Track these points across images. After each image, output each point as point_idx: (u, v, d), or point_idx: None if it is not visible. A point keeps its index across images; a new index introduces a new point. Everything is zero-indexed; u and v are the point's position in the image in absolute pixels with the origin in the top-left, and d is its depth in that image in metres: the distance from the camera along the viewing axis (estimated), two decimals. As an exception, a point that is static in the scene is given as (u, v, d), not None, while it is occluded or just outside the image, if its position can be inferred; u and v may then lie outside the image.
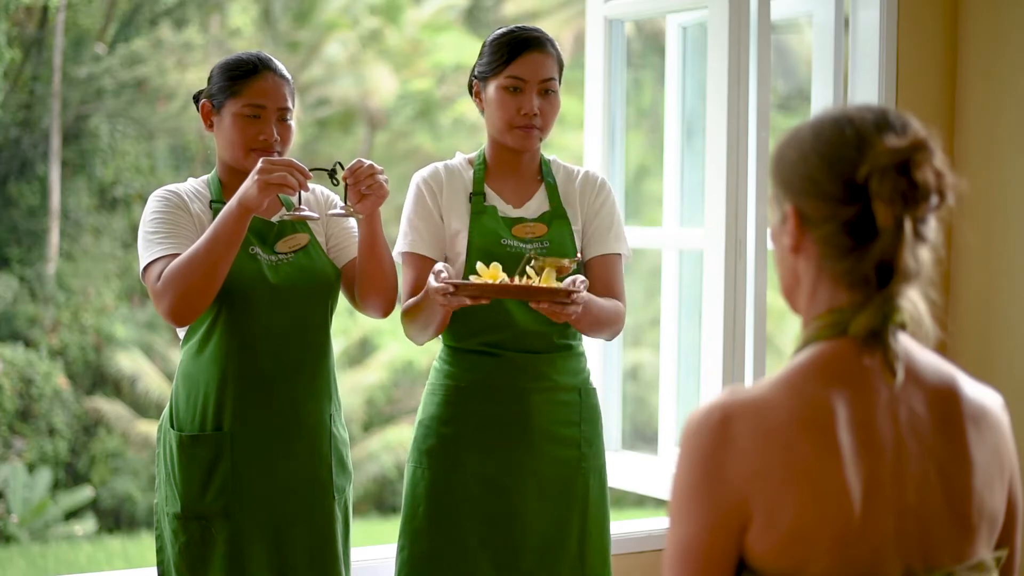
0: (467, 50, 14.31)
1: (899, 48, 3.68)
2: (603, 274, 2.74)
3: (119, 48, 14.51)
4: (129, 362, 13.54)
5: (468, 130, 14.47)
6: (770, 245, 3.15)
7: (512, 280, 2.50)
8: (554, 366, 2.70)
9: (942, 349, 1.44)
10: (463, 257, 2.67)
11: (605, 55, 3.68)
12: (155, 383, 13.36)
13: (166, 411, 2.64)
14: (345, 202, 2.51)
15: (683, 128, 3.71)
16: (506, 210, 2.73)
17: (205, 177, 2.69)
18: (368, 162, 2.50)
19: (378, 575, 3.21)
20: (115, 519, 13.37)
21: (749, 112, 3.35)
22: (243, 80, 2.59)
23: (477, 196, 2.72)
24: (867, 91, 3.67)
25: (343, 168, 2.51)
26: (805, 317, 1.46)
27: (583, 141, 3.75)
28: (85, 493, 12.84)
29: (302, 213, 2.49)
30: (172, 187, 2.64)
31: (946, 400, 1.43)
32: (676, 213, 3.72)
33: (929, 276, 1.39)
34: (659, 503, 4.63)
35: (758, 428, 1.35)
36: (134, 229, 13.75)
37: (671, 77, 3.72)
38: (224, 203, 2.59)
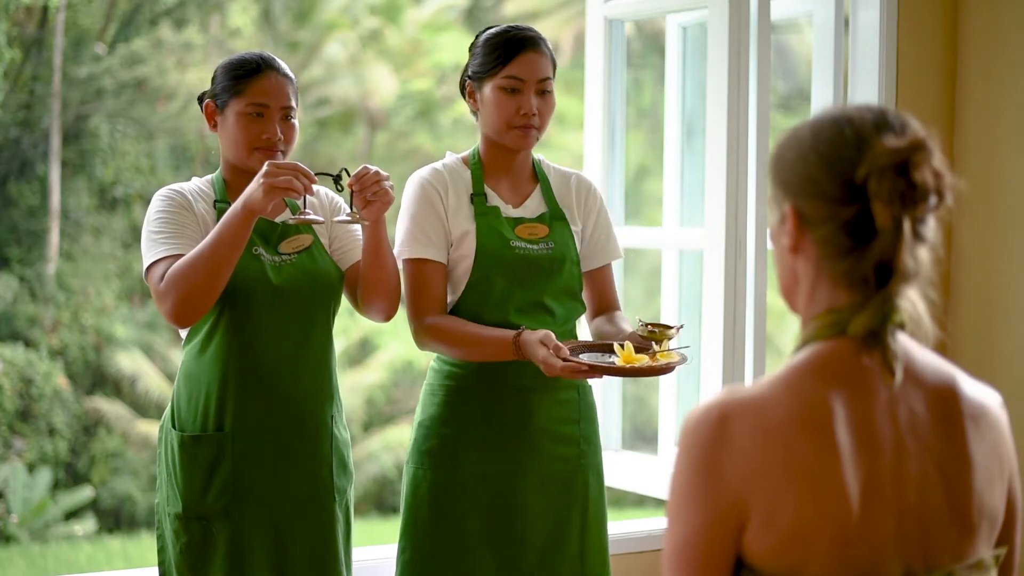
0: (467, 50, 14.29)
1: (899, 48, 3.68)
2: (602, 284, 2.82)
3: (119, 48, 14.51)
4: (129, 362, 13.55)
5: (468, 130, 14.46)
6: (770, 245, 3.15)
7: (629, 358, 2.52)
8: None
9: (942, 349, 1.44)
10: (471, 259, 2.66)
11: (605, 55, 3.68)
12: (155, 383, 13.36)
13: (167, 411, 2.64)
14: (351, 208, 2.51)
15: (683, 128, 3.71)
16: (506, 210, 2.73)
17: (209, 177, 2.69)
18: (374, 168, 2.50)
19: (378, 575, 3.21)
20: (115, 519, 13.37)
21: (749, 112, 3.35)
22: (246, 79, 2.60)
23: (479, 196, 2.71)
24: (867, 91, 3.67)
25: (349, 174, 2.51)
26: (804, 317, 1.46)
27: (583, 141, 3.75)
28: (85, 493, 12.84)
29: (307, 217, 2.49)
30: (176, 186, 2.64)
31: (945, 399, 1.43)
32: (676, 213, 3.72)
33: (928, 276, 1.40)
34: (659, 503, 4.63)
35: (757, 427, 1.35)
36: (134, 229, 13.77)
37: (671, 77, 3.72)
38: (228, 203, 2.59)
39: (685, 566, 1.36)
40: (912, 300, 1.39)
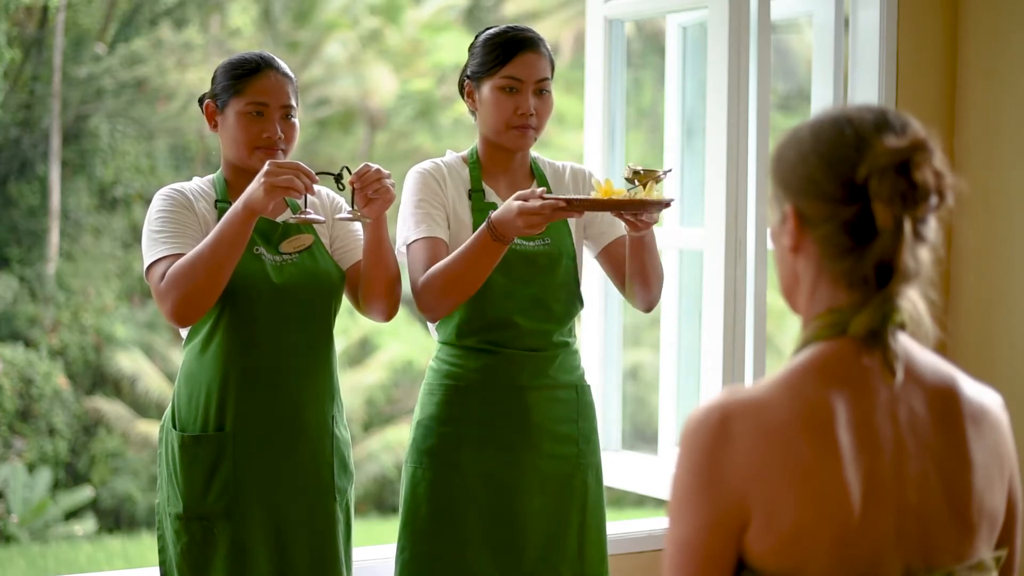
0: (467, 50, 14.29)
1: (899, 48, 3.68)
2: (622, 255, 2.76)
3: (119, 48, 14.51)
4: (129, 362, 13.55)
5: (468, 130, 14.46)
6: (770, 245, 3.16)
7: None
8: (552, 363, 2.71)
9: (942, 349, 1.44)
10: None
11: (605, 55, 3.68)
12: (155, 383, 13.36)
13: (168, 411, 2.64)
14: (352, 206, 2.51)
15: (683, 128, 3.71)
16: (503, 207, 2.74)
17: (210, 176, 2.69)
18: (375, 166, 2.50)
19: (378, 575, 3.21)
20: (115, 519, 13.37)
21: (749, 112, 3.35)
22: (246, 79, 2.60)
23: (477, 193, 2.72)
24: (867, 91, 3.67)
25: (350, 172, 2.51)
26: (804, 317, 1.46)
27: (583, 141, 3.75)
28: (85, 493, 12.84)
29: (308, 216, 2.49)
30: (177, 186, 2.64)
31: (946, 400, 1.43)
32: (676, 213, 3.72)
33: (929, 276, 1.39)
34: (659, 503, 4.64)
35: (757, 428, 1.35)
36: (134, 229, 13.77)
37: (671, 77, 3.72)
38: (229, 203, 2.59)
39: (686, 567, 1.36)
40: (912, 300, 1.39)
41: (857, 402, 1.38)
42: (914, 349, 1.44)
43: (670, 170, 2.58)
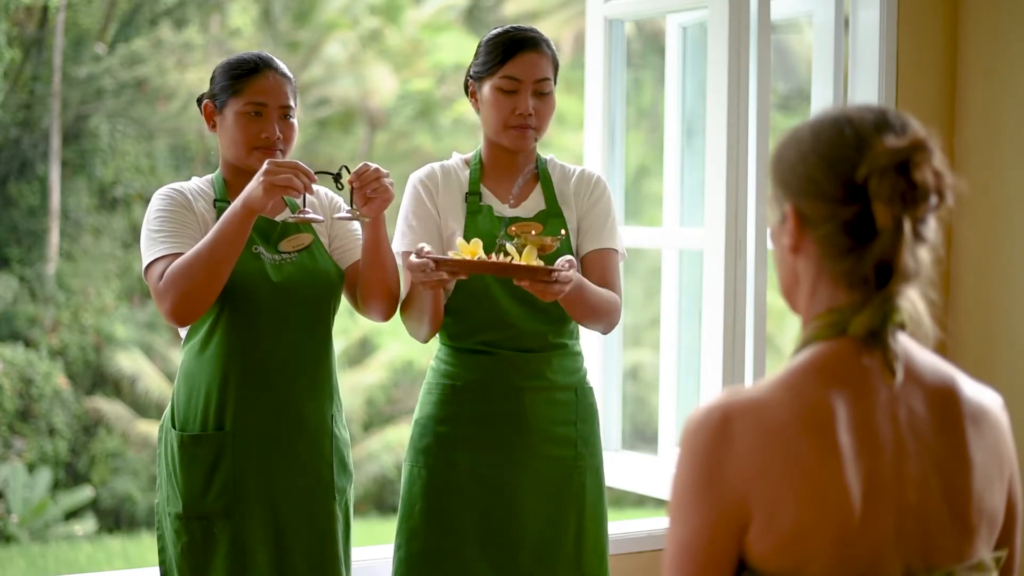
0: (467, 50, 14.28)
1: (899, 48, 3.68)
2: (598, 268, 2.72)
3: (119, 48, 14.51)
4: (129, 362, 13.55)
5: (468, 130, 14.47)
6: (770, 245, 3.15)
7: (491, 257, 2.45)
8: (550, 365, 2.71)
9: (942, 349, 1.44)
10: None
11: (605, 55, 3.68)
12: (155, 383, 13.36)
13: (167, 411, 2.64)
14: (351, 205, 2.51)
15: (683, 128, 3.71)
16: (502, 210, 2.73)
17: (209, 176, 2.69)
18: (374, 165, 2.50)
19: (378, 575, 3.22)
20: (115, 519, 13.37)
21: (749, 112, 3.35)
22: (245, 79, 2.60)
23: (472, 196, 2.72)
24: (867, 91, 3.67)
25: (349, 172, 2.51)
26: (804, 317, 1.46)
27: (583, 141, 3.75)
28: (85, 493, 12.84)
29: (306, 215, 2.49)
30: (176, 185, 2.64)
31: (946, 400, 1.43)
32: (676, 213, 3.72)
33: (929, 276, 1.39)
34: (659, 503, 4.63)
35: (758, 428, 1.35)
36: (134, 229, 13.77)
37: (671, 77, 3.72)
38: (228, 202, 2.59)
39: (687, 567, 1.36)
40: (912, 300, 1.39)
41: (857, 402, 1.38)
42: (914, 349, 1.44)
43: (561, 236, 2.49)
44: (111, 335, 13.80)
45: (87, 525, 12.75)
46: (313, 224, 2.66)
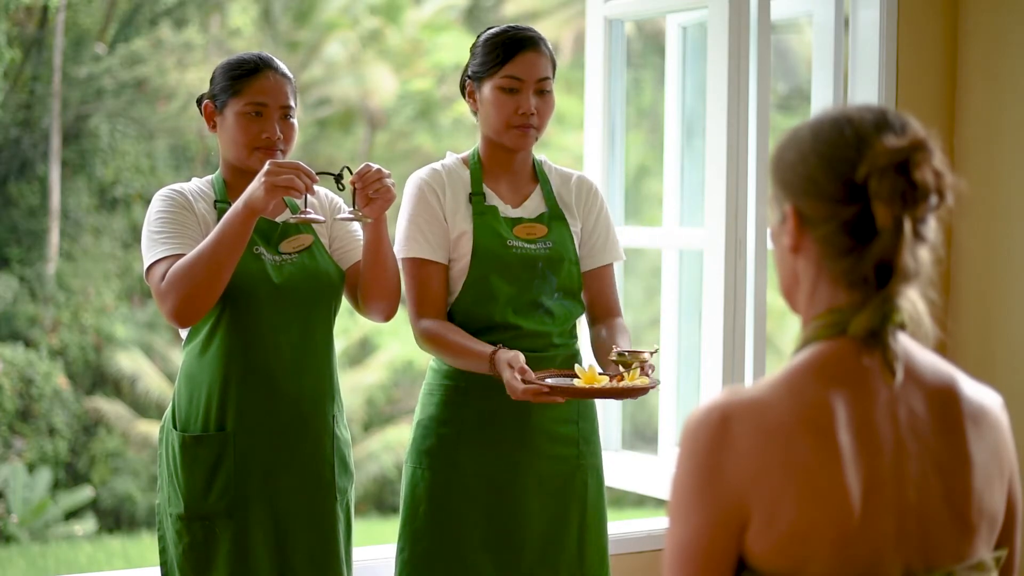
0: (467, 50, 14.28)
1: (899, 48, 3.68)
2: (600, 285, 2.79)
3: (119, 48, 14.51)
4: (129, 362, 13.55)
5: (468, 130, 14.47)
6: (770, 245, 3.16)
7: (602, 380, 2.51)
8: (553, 365, 2.71)
9: (942, 349, 1.44)
10: (468, 258, 2.66)
11: (605, 55, 3.68)
12: (155, 383, 13.36)
13: (168, 412, 2.64)
14: (353, 206, 2.51)
15: (683, 128, 3.71)
16: (505, 210, 2.73)
17: (209, 177, 2.69)
18: (376, 166, 2.50)
19: (379, 575, 3.22)
20: (115, 519, 13.37)
21: (749, 112, 3.35)
22: (245, 79, 2.60)
23: (477, 196, 2.71)
24: (867, 91, 3.67)
25: (351, 172, 2.51)
26: (804, 317, 1.46)
27: (583, 141, 3.75)
28: (85, 493, 12.84)
29: (307, 216, 2.49)
30: (177, 186, 2.64)
31: (946, 400, 1.43)
32: (676, 213, 3.72)
33: (929, 276, 1.39)
34: (659, 503, 4.64)
35: (758, 428, 1.35)
36: (134, 229, 13.77)
37: (671, 77, 3.72)
38: (229, 203, 2.59)
39: (687, 567, 1.36)
40: (912, 300, 1.39)
41: (857, 402, 1.38)
42: (914, 349, 1.44)
43: (656, 350, 2.58)
44: (111, 335, 13.80)
45: (87, 525, 12.75)
46: (313, 225, 2.66)
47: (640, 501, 10.58)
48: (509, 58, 2.66)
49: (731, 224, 3.33)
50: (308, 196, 2.50)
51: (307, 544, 2.61)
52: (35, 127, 14.12)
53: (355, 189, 2.50)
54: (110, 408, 13.43)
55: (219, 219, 2.55)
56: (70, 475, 13.36)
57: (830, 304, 1.42)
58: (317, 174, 2.48)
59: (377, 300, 2.62)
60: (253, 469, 2.57)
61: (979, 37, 3.74)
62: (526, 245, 2.68)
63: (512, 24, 2.75)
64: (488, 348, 2.54)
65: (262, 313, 2.57)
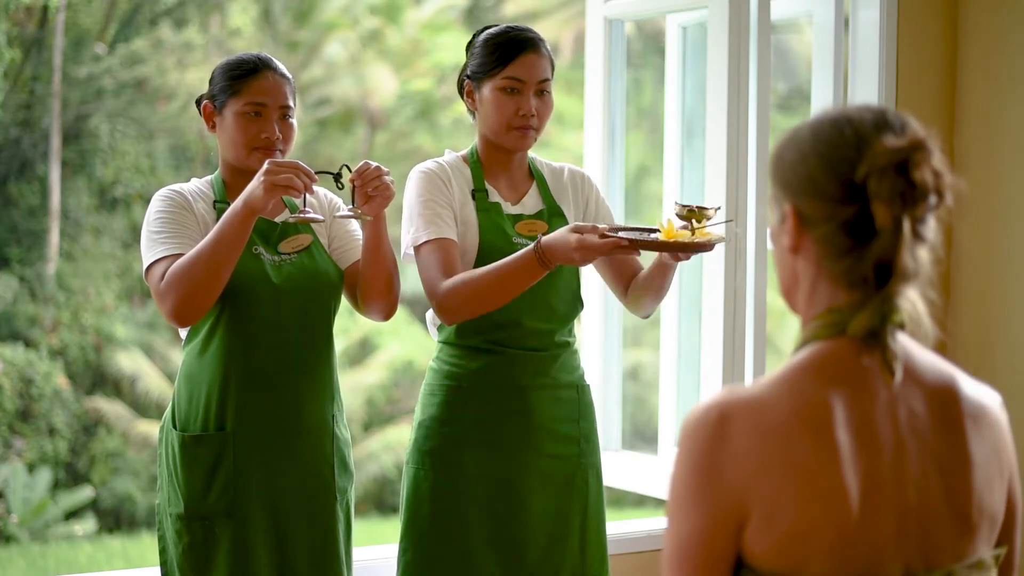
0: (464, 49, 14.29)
1: (899, 48, 3.68)
2: (618, 259, 2.76)
3: (119, 48, 14.51)
4: (129, 362, 13.55)
5: (468, 130, 14.46)
6: (770, 245, 3.15)
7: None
8: (554, 363, 2.71)
9: (942, 349, 1.44)
10: (472, 253, 2.66)
11: (605, 55, 3.68)
12: (155, 383, 13.36)
13: (168, 412, 2.64)
14: (352, 204, 2.51)
15: (683, 128, 3.71)
16: (506, 207, 2.74)
17: (209, 177, 2.69)
18: (375, 164, 2.50)
19: (378, 575, 3.21)
20: (115, 519, 13.37)
21: (749, 112, 3.35)
22: (244, 79, 2.60)
23: (480, 192, 2.72)
24: (867, 91, 3.67)
25: (350, 171, 2.51)
26: (804, 317, 1.46)
27: (583, 141, 3.75)
28: (85, 493, 12.84)
29: (307, 215, 2.49)
30: (176, 187, 2.64)
31: (945, 399, 1.43)
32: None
33: (928, 276, 1.40)
34: (659, 503, 4.64)
35: (757, 427, 1.35)
36: (134, 229, 13.77)
37: (671, 77, 3.72)
38: (228, 203, 2.59)
39: (685, 566, 1.36)
40: (912, 300, 1.39)
41: (856, 402, 1.38)
42: (914, 349, 1.44)
43: (719, 207, 2.59)
44: (111, 335, 13.80)
45: (87, 525, 12.75)
46: (312, 224, 2.66)
47: (640, 501, 10.59)
48: (510, 59, 2.66)
49: (731, 224, 3.32)
50: (307, 196, 2.50)
51: (307, 544, 2.61)
52: (35, 127, 14.12)
53: (354, 187, 2.49)
54: (110, 408, 13.43)
55: (218, 219, 2.55)
56: (70, 475, 13.37)
57: (829, 304, 1.42)
58: (316, 173, 2.48)
59: (376, 299, 2.62)
60: (253, 469, 2.57)
61: (979, 37, 3.74)
62: (528, 242, 2.68)
63: (511, 24, 2.75)
64: (528, 248, 2.49)
65: (261, 313, 2.57)
